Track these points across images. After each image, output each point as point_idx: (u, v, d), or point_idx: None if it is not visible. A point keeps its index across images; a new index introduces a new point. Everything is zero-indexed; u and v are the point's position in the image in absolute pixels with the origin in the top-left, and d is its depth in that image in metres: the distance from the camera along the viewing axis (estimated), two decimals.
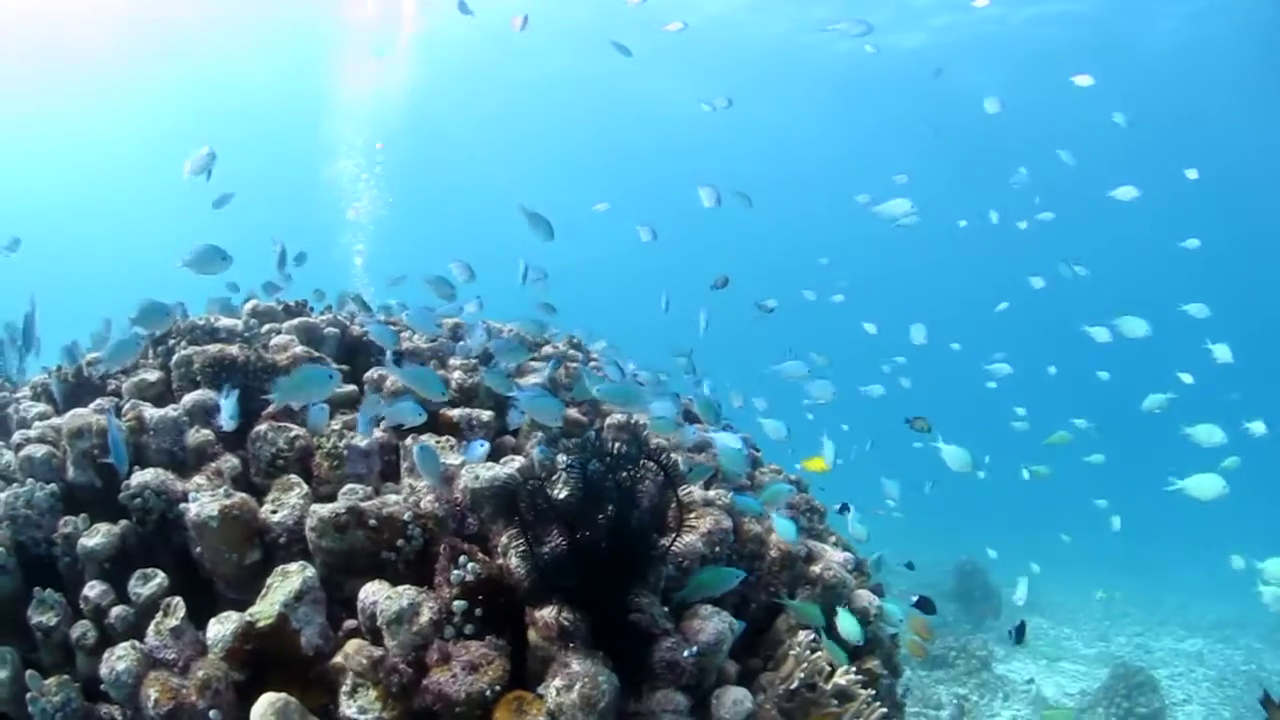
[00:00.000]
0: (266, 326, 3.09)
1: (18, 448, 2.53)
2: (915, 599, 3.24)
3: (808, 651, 2.54)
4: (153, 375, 2.81)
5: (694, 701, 2.13)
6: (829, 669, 2.54)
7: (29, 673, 2.10)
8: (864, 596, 3.01)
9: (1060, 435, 6.17)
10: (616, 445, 2.12)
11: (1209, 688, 10.09)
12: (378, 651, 1.90)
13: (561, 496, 2.06)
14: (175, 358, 2.77)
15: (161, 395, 2.79)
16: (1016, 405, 7.83)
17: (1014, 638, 3.97)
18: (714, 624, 2.24)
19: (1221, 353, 6.09)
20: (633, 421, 2.96)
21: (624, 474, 2.06)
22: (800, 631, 2.63)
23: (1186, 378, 6.51)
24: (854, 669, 2.65)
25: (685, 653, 2.13)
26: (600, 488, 2.04)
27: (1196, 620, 12.99)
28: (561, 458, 2.10)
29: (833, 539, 3.57)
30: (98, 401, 2.77)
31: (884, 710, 2.56)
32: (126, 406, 2.60)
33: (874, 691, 2.63)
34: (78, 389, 2.90)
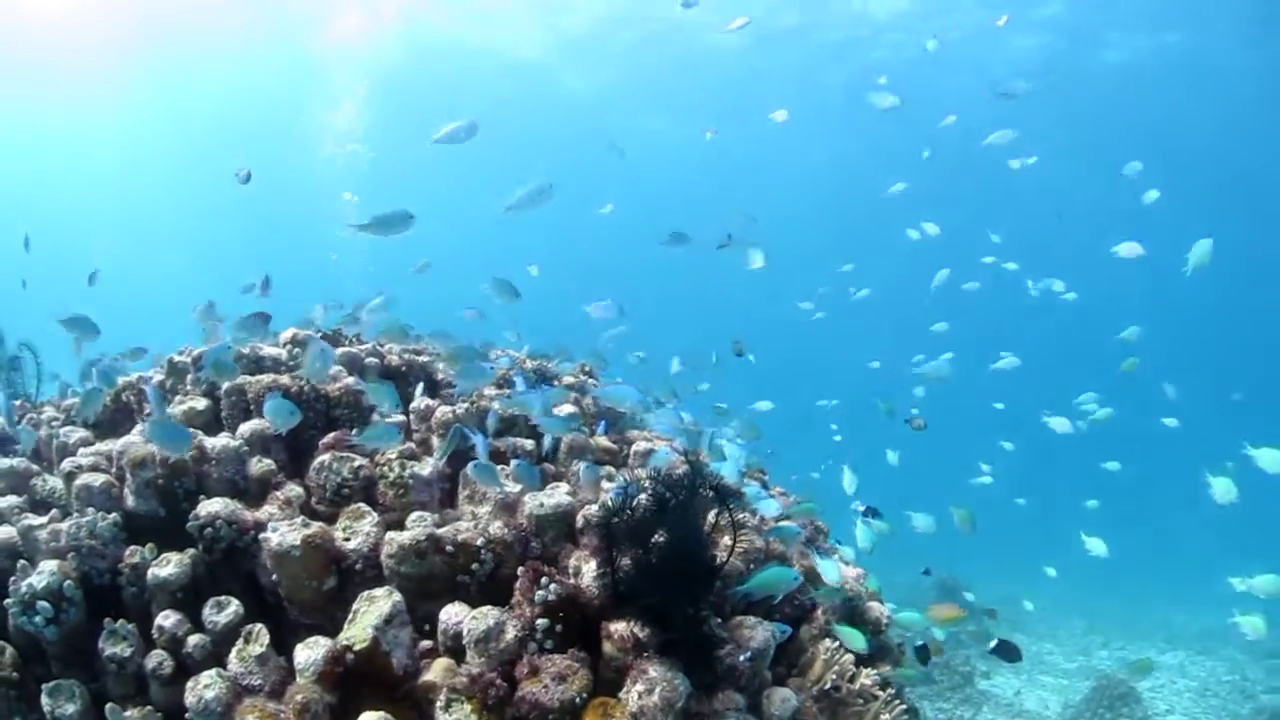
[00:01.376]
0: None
1: (69, 475, 2.57)
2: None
3: (835, 655, 2.81)
4: (201, 403, 2.88)
5: (750, 701, 2.36)
6: (854, 672, 2.81)
7: (109, 706, 2.16)
8: (876, 609, 3.31)
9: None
10: (682, 474, 2.34)
11: (1191, 698, 10.49)
12: (475, 669, 2.06)
13: (635, 521, 2.27)
14: (226, 386, 2.85)
15: (209, 423, 2.86)
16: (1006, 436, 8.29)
17: (1003, 655, 4.07)
18: (761, 632, 2.48)
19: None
20: (686, 451, 3.21)
21: (690, 500, 2.29)
22: (825, 638, 2.90)
23: (1170, 390, 6.97)
24: (874, 671, 2.93)
25: (742, 657, 2.37)
26: (670, 513, 2.26)
27: (1179, 633, 13.63)
28: (633, 487, 2.31)
29: (836, 555, 3.88)
30: (139, 428, 2.82)
31: (904, 706, 2.84)
32: None
33: (894, 690, 2.91)
34: (115, 414, 2.93)
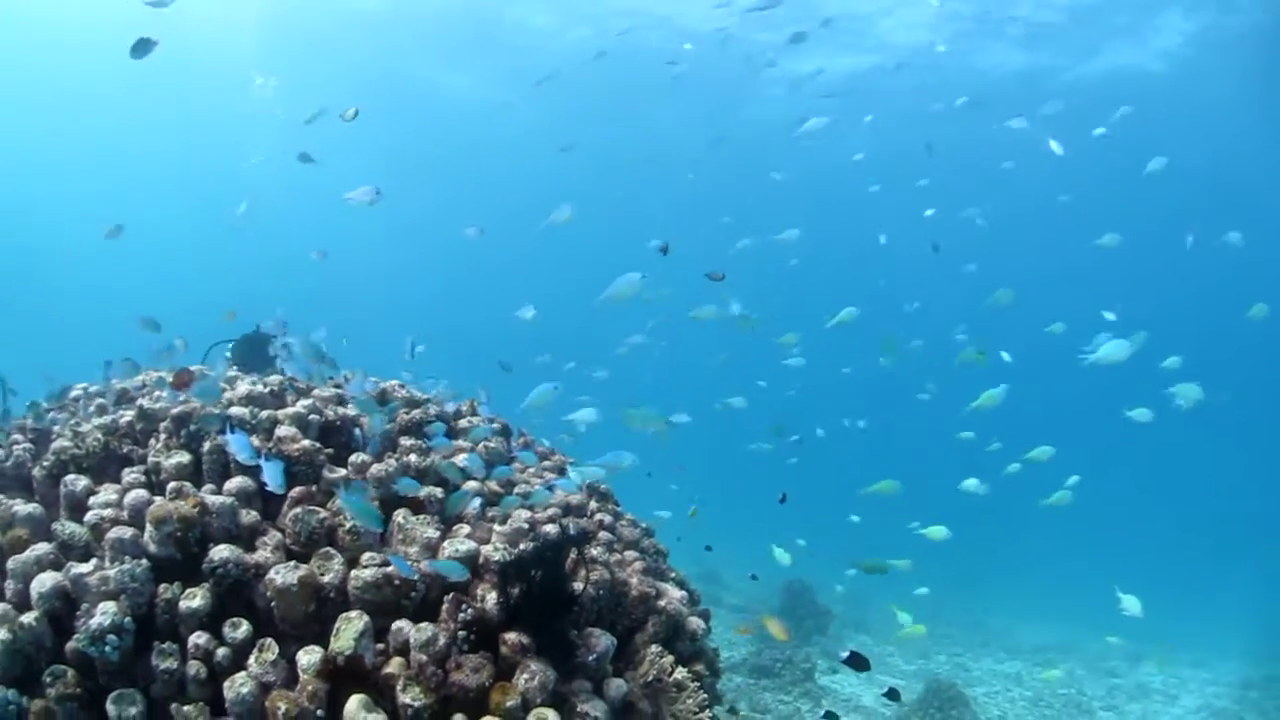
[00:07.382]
0: (265, 413, 4.88)
1: (95, 527, 4.20)
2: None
3: (658, 657, 4.97)
4: (185, 457, 4.55)
5: (594, 686, 4.45)
6: (671, 669, 4.98)
7: (173, 705, 3.88)
8: (694, 622, 5.50)
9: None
10: (553, 530, 4.36)
11: (1025, 706, 13.49)
12: (423, 664, 4.00)
13: (520, 566, 4.27)
14: (207, 446, 4.54)
15: (192, 476, 4.54)
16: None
17: (853, 665, 6.08)
18: (604, 640, 4.57)
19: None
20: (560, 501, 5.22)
21: (558, 550, 4.32)
22: (653, 645, 5.05)
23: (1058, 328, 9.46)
24: (686, 670, 5.12)
25: (590, 657, 4.45)
26: (543, 560, 4.29)
27: (1019, 644, 17.08)
28: (518, 546, 4.29)
29: (673, 575, 6.08)
30: (130, 475, 4.47)
31: (705, 696, 5.06)
32: (173, 487, 4.35)
33: (700, 684, 5.12)
34: (105, 459, 4.54)
